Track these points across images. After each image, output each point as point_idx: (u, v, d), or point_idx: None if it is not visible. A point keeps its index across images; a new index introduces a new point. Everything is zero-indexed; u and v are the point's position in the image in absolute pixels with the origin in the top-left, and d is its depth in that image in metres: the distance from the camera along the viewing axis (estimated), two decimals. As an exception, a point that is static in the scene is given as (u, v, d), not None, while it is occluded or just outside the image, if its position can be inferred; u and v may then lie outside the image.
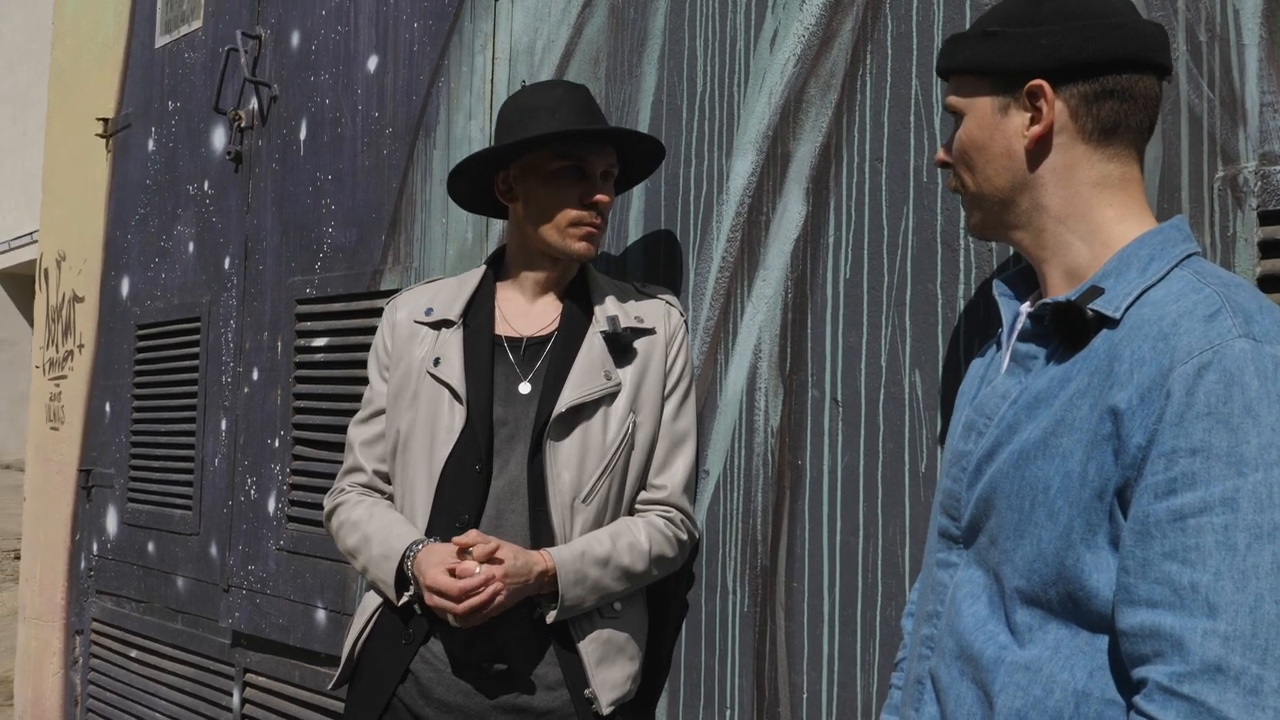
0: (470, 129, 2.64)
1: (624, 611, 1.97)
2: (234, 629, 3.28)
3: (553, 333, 2.01)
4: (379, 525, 1.97)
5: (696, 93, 2.16)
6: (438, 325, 2.04)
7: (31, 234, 12.92)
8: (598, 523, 1.95)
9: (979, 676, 1.21)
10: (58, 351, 4.60)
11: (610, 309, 2.02)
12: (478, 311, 2.04)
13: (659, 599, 2.10)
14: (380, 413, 2.09)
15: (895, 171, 1.84)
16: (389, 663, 1.93)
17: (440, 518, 1.93)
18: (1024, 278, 1.40)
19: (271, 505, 3.14)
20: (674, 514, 2.00)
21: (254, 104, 3.37)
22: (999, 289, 1.38)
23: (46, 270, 4.82)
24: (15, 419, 14.18)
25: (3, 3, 14.92)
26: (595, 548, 1.89)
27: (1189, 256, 1.20)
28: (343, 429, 2.18)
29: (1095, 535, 1.12)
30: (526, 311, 2.05)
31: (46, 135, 4.85)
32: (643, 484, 2.01)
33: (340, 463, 2.17)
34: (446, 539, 1.87)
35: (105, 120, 4.25)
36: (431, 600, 1.81)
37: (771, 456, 1.98)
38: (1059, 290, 1.27)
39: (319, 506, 2.27)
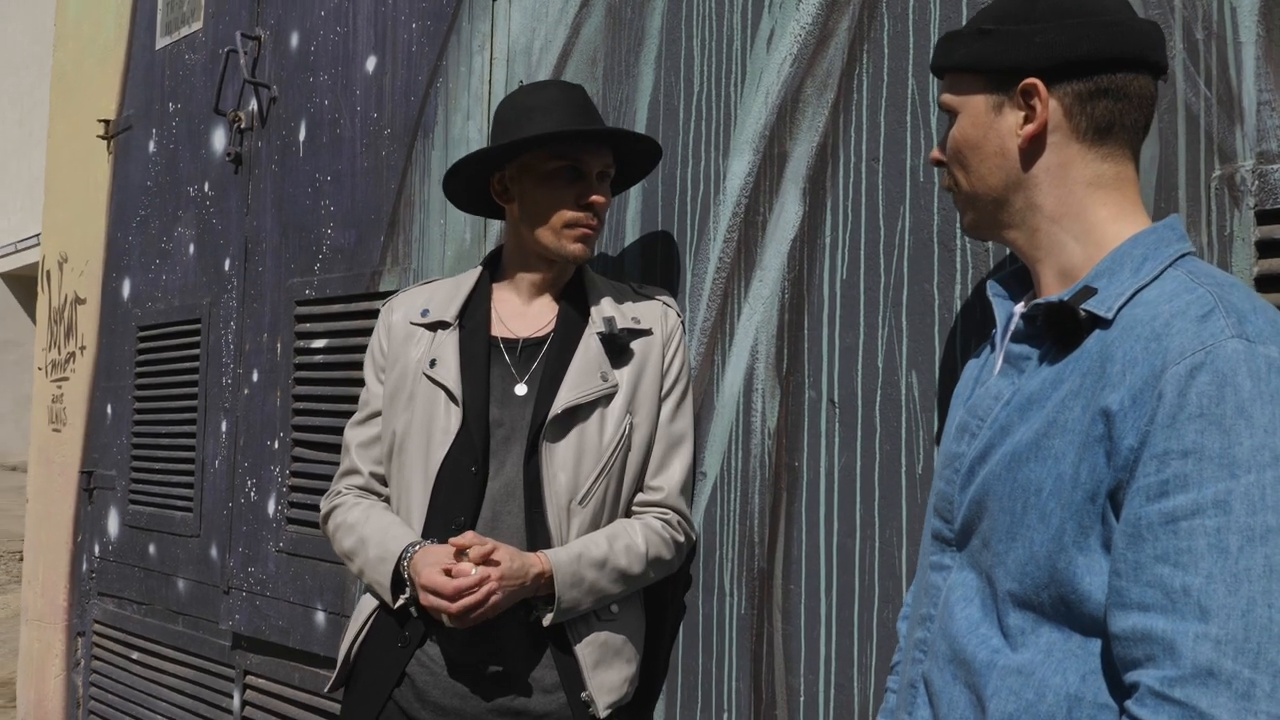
0: (468, 129, 2.63)
1: (621, 614, 1.96)
2: (234, 631, 3.28)
3: (549, 334, 2.00)
4: (375, 527, 1.96)
5: (693, 93, 2.15)
6: (434, 327, 2.04)
7: (37, 236, 12.94)
8: (594, 525, 1.94)
9: (971, 680, 1.20)
10: (59, 353, 4.60)
11: (607, 310, 2.01)
12: (474, 313, 2.04)
13: (656, 601, 2.09)
14: (376, 414, 2.08)
15: (892, 171, 1.83)
16: (385, 666, 1.92)
17: (436, 520, 1.93)
18: (1018, 278, 1.39)
19: (271, 507, 3.13)
20: (671, 516, 1.99)
21: (253, 105, 3.36)
22: (993, 289, 1.38)
23: (48, 272, 4.83)
24: (20, 421, 14.21)
25: (7, 5, 14.96)
26: (592, 550, 1.88)
27: (1183, 256, 1.19)
28: (342, 430, 2.18)
29: (1087, 538, 1.11)
30: (523, 313, 2.04)
31: (49, 137, 4.86)
32: (639, 486, 2.00)
33: (338, 464, 2.16)
34: (443, 541, 1.87)
35: (106, 122, 4.26)
36: (426, 600, 1.80)
37: (768, 458, 1.97)
38: (1053, 290, 1.26)
39: (318, 508, 2.27)
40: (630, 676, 1.95)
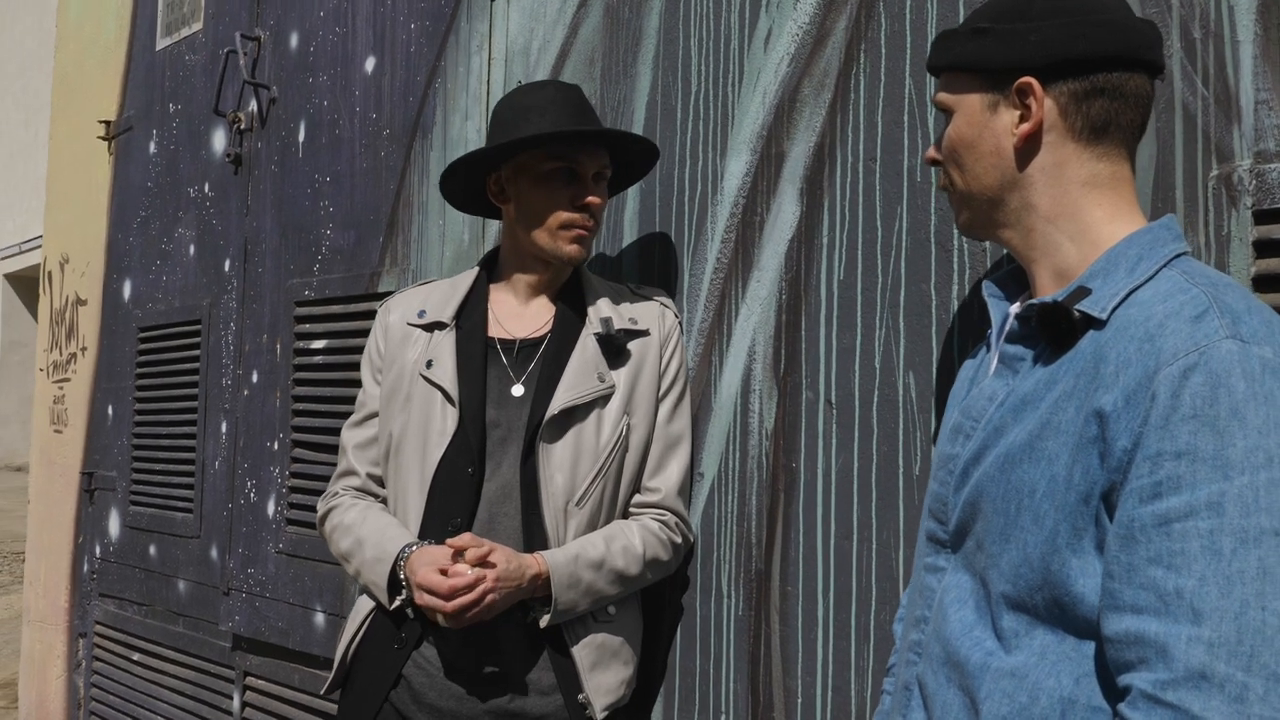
0: (467, 130, 2.63)
1: (618, 615, 1.95)
2: (234, 632, 3.28)
3: (546, 335, 1.99)
4: (372, 529, 1.96)
5: (691, 93, 2.14)
6: (430, 327, 2.03)
7: (42, 237, 12.96)
8: (591, 526, 1.93)
9: (965, 683, 1.19)
10: (61, 354, 4.61)
11: (604, 311, 2.01)
12: (471, 313, 2.03)
13: (653, 603, 2.08)
14: (373, 415, 2.07)
15: (889, 171, 1.83)
16: (382, 667, 1.92)
17: (433, 521, 1.92)
18: (1014, 278, 1.38)
19: (271, 508, 3.13)
20: (668, 517, 1.99)
21: (253, 106, 3.36)
22: (988, 289, 1.37)
23: (50, 273, 4.83)
24: (26, 422, 14.22)
25: (12, 7, 14.98)
26: (589, 551, 1.88)
27: (1178, 256, 1.18)
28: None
29: (1081, 540, 1.11)
30: (520, 313, 2.04)
31: (51, 139, 4.86)
32: (637, 487, 1.99)
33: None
34: (439, 542, 1.86)
35: (107, 123, 4.26)
36: (421, 599, 1.80)
37: (766, 459, 1.97)
38: (1048, 291, 1.26)
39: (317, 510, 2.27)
40: (627, 678, 1.95)
